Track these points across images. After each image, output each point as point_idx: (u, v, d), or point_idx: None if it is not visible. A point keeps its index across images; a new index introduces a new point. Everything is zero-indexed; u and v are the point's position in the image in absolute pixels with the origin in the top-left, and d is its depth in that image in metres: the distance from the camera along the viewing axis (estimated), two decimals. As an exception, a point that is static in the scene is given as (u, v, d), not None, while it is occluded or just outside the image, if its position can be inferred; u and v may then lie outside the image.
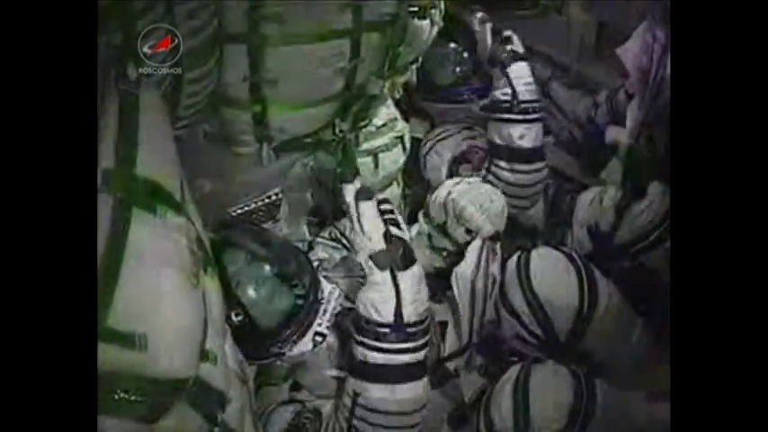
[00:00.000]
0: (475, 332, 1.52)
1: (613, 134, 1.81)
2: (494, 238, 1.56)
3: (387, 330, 1.17)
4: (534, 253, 1.44)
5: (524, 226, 1.91)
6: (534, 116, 1.77)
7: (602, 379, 1.28)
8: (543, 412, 1.22)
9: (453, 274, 1.53)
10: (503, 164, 1.77)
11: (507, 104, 1.76)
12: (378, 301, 1.17)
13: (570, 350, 1.37)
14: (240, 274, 1.42)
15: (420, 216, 1.71)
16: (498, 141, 1.79)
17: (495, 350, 1.52)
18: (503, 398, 1.26)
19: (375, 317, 1.17)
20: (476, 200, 1.57)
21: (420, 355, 1.20)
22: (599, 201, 1.68)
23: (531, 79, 1.78)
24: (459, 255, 1.58)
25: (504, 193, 1.69)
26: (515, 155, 1.76)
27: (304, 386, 1.52)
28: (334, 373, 1.49)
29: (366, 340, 1.19)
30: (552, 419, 1.21)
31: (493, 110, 1.80)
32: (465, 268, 1.52)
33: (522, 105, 1.75)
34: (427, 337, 1.21)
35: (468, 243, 1.56)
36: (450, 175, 1.96)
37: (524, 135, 1.75)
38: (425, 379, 1.22)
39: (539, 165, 1.80)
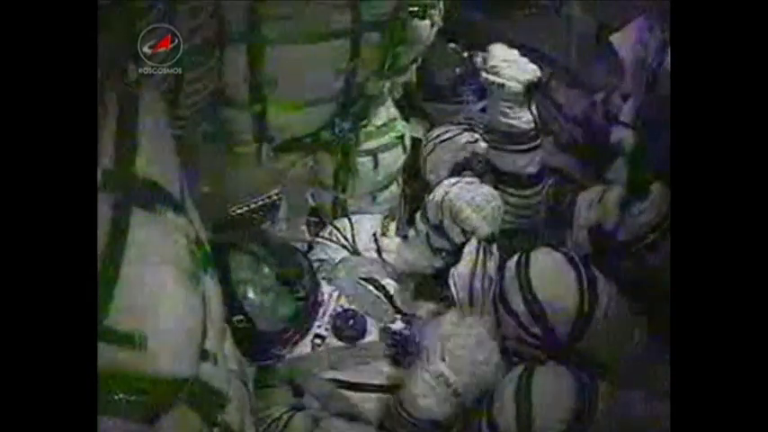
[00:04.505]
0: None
1: (618, 134, 1.80)
2: (489, 239, 1.56)
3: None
4: (534, 254, 1.43)
5: (524, 227, 1.90)
6: (537, 144, 1.71)
7: (602, 379, 1.28)
8: (546, 413, 1.22)
9: (450, 274, 1.52)
10: (511, 190, 1.72)
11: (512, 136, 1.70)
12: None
13: (571, 351, 1.36)
14: (241, 276, 1.42)
15: (417, 216, 1.71)
16: (505, 169, 1.73)
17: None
18: (505, 399, 1.26)
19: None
20: (472, 201, 1.56)
21: None
22: (600, 201, 1.67)
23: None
24: (456, 255, 1.58)
25: (509, 212, 1.67)
26: (522, 181, 1.71)
27: (304, 389, 1.51)
28: (331, 375, 1.49)
29: None
30: (555, 420, 1.21)
31: (498, 142, 1.74)
32: (462, 268, 1.51)
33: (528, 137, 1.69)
34: None
35: (464, 243, 1.56)
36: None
37: (529, 163, 1.71)
38: None
39: (540, 186, 1.76)
